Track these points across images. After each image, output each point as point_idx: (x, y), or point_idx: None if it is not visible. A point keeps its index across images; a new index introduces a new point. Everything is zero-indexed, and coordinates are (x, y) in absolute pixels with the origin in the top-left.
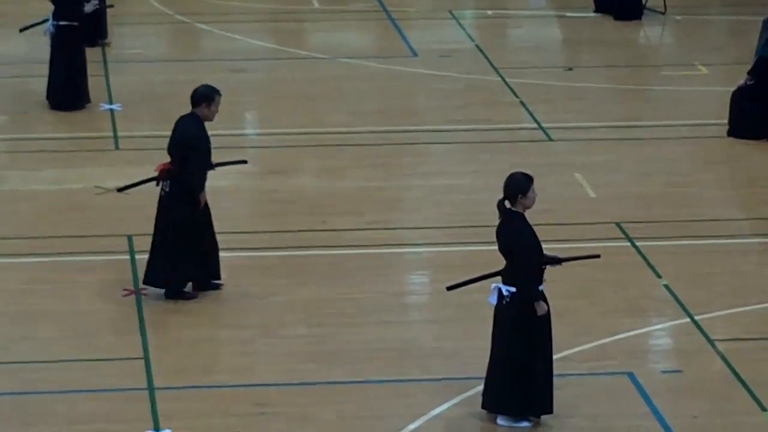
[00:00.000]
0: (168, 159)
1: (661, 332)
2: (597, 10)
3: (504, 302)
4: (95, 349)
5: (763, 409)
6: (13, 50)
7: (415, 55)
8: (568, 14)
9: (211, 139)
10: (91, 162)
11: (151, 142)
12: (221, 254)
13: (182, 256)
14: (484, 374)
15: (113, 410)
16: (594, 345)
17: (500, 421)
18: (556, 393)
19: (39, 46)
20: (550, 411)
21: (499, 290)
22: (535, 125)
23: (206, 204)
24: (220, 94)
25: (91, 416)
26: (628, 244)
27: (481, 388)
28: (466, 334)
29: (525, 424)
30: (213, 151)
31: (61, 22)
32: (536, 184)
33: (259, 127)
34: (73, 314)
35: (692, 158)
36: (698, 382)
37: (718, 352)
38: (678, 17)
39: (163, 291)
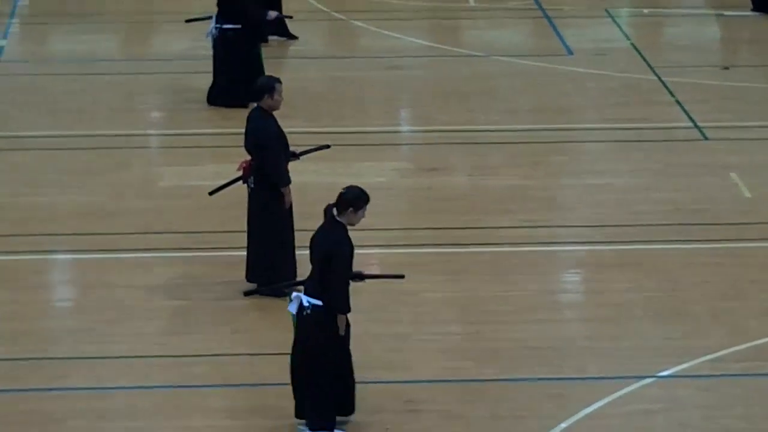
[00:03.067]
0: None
1: None
2: (755, 9)
3: (304, 313)
4: (249, 344)
5: None
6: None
7: (571, 53)
8: (726, 13)
9: (369, 134)
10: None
11: (306, 138)
12: (375, 250)
13: (276, 250)
14: (638, 373)
15: (266, 405)
16: (748, 346)
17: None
18: (710, 393)
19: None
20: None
21: (300, 300)
22: (690, 124)
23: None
24: (280, 82)
25: (247, 410)
26: None
27: (636, 386)
28: (620, 333)
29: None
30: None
31: (225, 25)
32: (688, 184)
33: (414, 124)
34: (225, 309)
35: None
36: None
37: None
38: None
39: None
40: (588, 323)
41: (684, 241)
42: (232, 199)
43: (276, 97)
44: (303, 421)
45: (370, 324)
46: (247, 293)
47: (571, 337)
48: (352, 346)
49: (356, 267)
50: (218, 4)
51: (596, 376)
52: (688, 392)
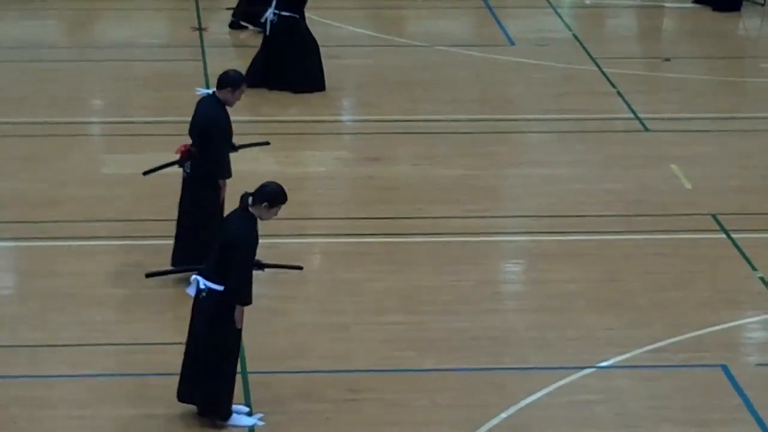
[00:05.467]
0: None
1: (755, 325)
2: (695, 1)
3: (201, 296)
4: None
5: None
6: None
7: (513, 43)
8: (667, 5)
9: (310, 123)
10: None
11: (249, 126)
12: (318, 240)
13: (202, 239)
14: (579, 364)
15: None
16: (688, 337)
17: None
18: (650, 384)
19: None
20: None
21: (198, 282)
22: (631, 115)
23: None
24: (246, 84)
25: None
26: (724, 236)
27: (577, 377)
28: (562, 323)
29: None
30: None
31: (283, 12)
32: (629, 175)
33: (357, 113)
34: (167, 297)
35: None
36: None
37: None
38: None
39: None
40: (530, 313)
41: (625, 232)
42: (176, 188)
43: (236, 94)
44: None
45: (312, 314)
46: (149, 275)
47: (512, 328)
48: (291, 339)
49: (296, 258)
50: None
51: (537, 366)
52: (629, 383)
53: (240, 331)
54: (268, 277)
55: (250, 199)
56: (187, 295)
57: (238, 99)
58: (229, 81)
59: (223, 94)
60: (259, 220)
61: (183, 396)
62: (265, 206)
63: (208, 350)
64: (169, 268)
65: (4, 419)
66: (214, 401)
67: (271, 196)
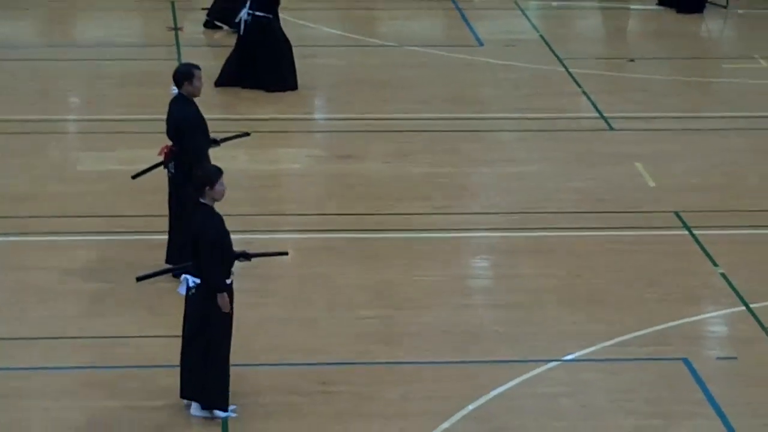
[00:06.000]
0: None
1: (716, 320)
2: (660, 3)
3: (191, 293)
4: (167, 326)
5: None
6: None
7: (482, 44)
8: (632, 7)
9: (285, 121)
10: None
11: (224, 125)
12: (291, 235)
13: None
14: (546, 357)
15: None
16: (651, 331)
17: (194, 411)
18: (614, 377)
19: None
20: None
21: (187, 281)
22: (597, 115)
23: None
24: (199, 69)
25: (163, 390)
26: (687, 232)
27: (541, 370)
28: (529, 317)
29: (220, 413)
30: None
31: (257, 12)
32: (594, 173)
33: (329, 112)
34: (144, 292)
35: (752, 149)
36: (753, 369)
37: None
38: (740, 11)
39: None
40: (498, 308)
41: (591, 228)
42: (151, 184)
43: (195, 83)
44: (189, 402)
45: (285, 308)
46: (140, 278)
47: (481, 322)
48: (264, 332)
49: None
50: None
51: (505, 359)
52: (594, 375)
53: (230, 319)
54: (243, 271)
55: (196, 194)
56: (176, 293)
57: (200, 86)
58: (181, 76)
59: (185, 89)
60: (216, 205)
61: (183, 393)
62: (208, 189)
63: (202, 341)
64: (160, 269)
65: None
66: (205, 389)
67: (206, 179)
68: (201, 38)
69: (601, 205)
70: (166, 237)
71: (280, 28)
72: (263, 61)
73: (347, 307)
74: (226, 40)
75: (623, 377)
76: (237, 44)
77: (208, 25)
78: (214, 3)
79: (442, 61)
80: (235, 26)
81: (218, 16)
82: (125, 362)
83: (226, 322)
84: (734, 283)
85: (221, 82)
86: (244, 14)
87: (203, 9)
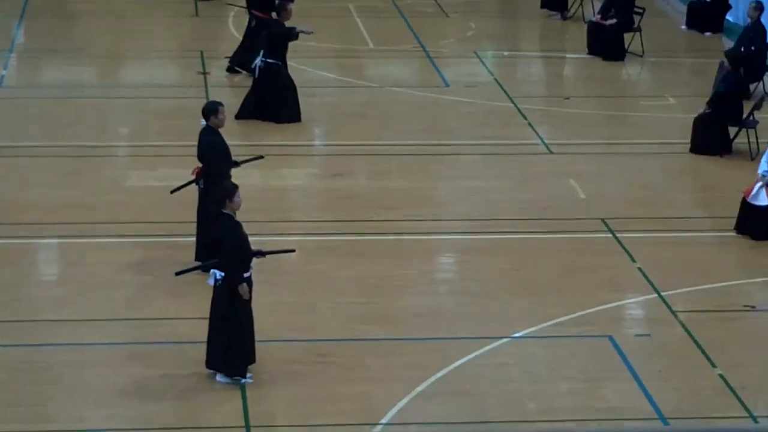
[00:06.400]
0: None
1: (634, 305)
2: (589, 53)
3: (217, 284)
4: (195, 311)
5: (713, 365)
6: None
7: (447, 85)
8: (567, 56)
9: (290, 147)
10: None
11: (242, 149)
12: (295, 237)
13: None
14: (498, 335)
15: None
16: (582, 314)
17: (218, 378)
18: (552, 350)
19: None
20: (254, 361)
21: (215, 275)
22: (539, 141)
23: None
24: (222, 105)
25: (194, 362)
26: (611, 235)
27: (496, 344)
28: (484, 303)
29: (240, 379)
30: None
31: (269, 60)
32: (537, 187)
33: (325, 139)
34: (180, 283)
35: (663, 169)
36: (663, 344)
37: (679, 321)
38: (653, 59)
39: None
40: (460, 295)
41: (534, 232)
42: (185, 197)
43: (220, 117)
44: (214, 372)
45: (290, 295)
46: (178, 273)
47: (446, 306)
48: (273, 315)
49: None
50: (262, 44)
51: (465, 336)
52: (536, 349)
53: (249, 303)
54: (258, 266)
55: (218, 206)
56: (206, 284)
57: (224, 118)
58: (208, 111)
59: (211, 121)
60: (235, 214)
61: (209, 364)
62: (228, 202)
63: (227, 322)
64: (193, 265)
65: (53, 376)
66: (228, 361)
67: (225, 193)
68: (224, 81)
69: (542, 213)
70: (194, 239)
71: (287, 72)
72: (274, 99)
73: (339, 294)
74: (244, 82)
75: (560, 351)
76: (253, 85)
77: (230, 70)
78: (235, 52)
79: (416, 99)
80: (251, 71)
81: (238, 63)
82: (163, 339)
83: (246, 307)
84: (649, 275)
85: (240, 115)
86: (258, 61)
87: (226, 57)
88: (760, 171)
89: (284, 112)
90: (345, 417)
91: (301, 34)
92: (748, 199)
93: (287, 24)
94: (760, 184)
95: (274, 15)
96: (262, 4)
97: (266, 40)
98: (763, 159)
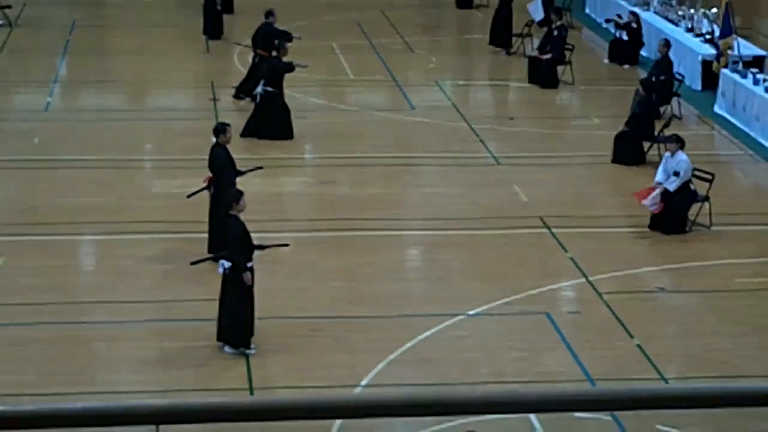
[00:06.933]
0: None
1: (567, 288)
2: (529, 82)
3: (225, 272)
4: (207, 294)
5: (632, 336)
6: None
7: (414, 108)
8: (511, 84)
9: (286, 159)
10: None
11: (246, 161)
12: (290, 234)
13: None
14: (457, 311)
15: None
16: (525, 295)
17: (227, 349)
18: (500, 325)
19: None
20: (253, 333)
21: (223, 265)
22: (489, 155)
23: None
24: (229, 125)
25: (206, 336)
26: (547, 231)
27: (454, 320)
28: (445, 286)
29: (244, 350)
30: (280, 167)
31: (268, 88)
32: (487, 192)
33: (314, 153)
34: (197, 271)
35: (590, 176)
36: (591, 319)
37: (604, 301)
38: (581, 87)
39: None
40: (425, 281)
41: (486, 228)
42: (199, 201)
43: (227, 135)
44: (222, 343)
45: (286, 281)
46: (193, 263)
47: (413, 289)
48: (272, 297)
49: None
50: (262, 76)
51: (429, 314)
52: (488, 324)
53: (251, 288)
54: (257, 258)
55: (226, 208)
56: (216, 272)
57: (230, 137)
58: (218, 130)
59: (220, 139)
60: (241, 214)
61: (219, 337)
62: (234, 205)
63: (233, 302)
64: (205, 256)
65: (92, 349)
66: (234, 335)
67: (233, 198)
68: (231, 106)
69: (491, 213)
70: (207, 235)
71: (283, 99)
72: (272, 120)
73: (326, 280)
74: (247, 106)
75: (506, 325)
76: (255, 109)
77: (236, 97)
78: (241, 82)
79: (388, 119)
80: (253, 98)
81: (242, 91)
82: (181, 317)
83: (249, 291)
84: (579, 263)
85: (244, 134)
86: (260, 89)
87: (233, 87)
88: (657, 179)
89: (280, 131)
90: (332, 380)
91: (297, 67)
92: (643, 202)
93: (285, 59)
94: (657, 191)
95: (273, 53)
96: (264, 44)
97: (266, 72)
98: (660, 169)
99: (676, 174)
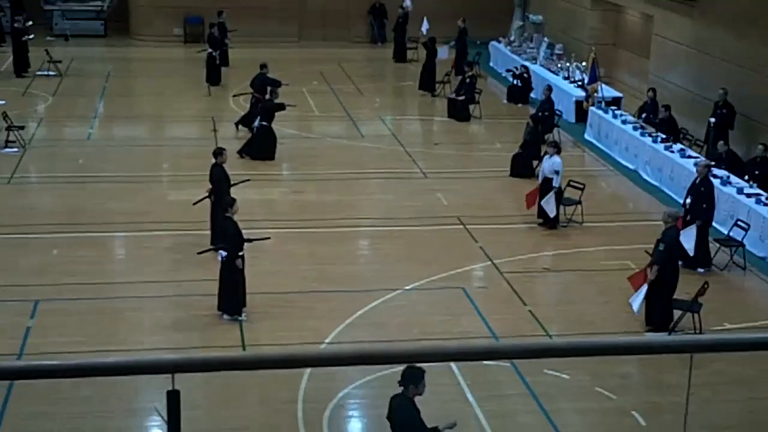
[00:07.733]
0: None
1: (477, 269)
2: (448, 117)
3: (223, 259)
4: (210, 275)
5: (525, 304)
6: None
7: (363, 137)
8: (435, 118)
9: (268, 174)
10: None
11: (238, 176)
12: (271, 230)
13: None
14: (395, 287)
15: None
16: (446, 274)
17: (225, 317)
18: (429, 297)
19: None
20: (245, 305)
21: (221, 254)
22: (419, 170)
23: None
24: (225, 149)
25: (209, 307)
26: (463, 227)
27: (393, 294)
28: (388, 268)
29: (238, 317)
30: (265, 180)
31: (263, 122)
32: (417, 198)
33: (289, 170)
34: (203, 259)
35: (494, 186)
36: (495, 292)
37: (505, 278)
38: (486, 120)
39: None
40: (372, 264)
41: (416, 225)
42: (202, 206)
43: (223, 156)
44: (221, 312)
45: (268, 266)
46: (199, 252)
47: (364, 271)
48: (258, 277)
49: (261, 236)
50: (259, 113)
51: (376, 289)
52: (419, 297)
53: (242, 271)
54: (247, 248)
55: (223, 211)
56: (216, 259)
57: (226, 158)
58: (217, 153)
59: (218, 160)
60: (234, 216)
61: (219, 307)
62: (230, 209)
63: (229, 280)
64: (209, 247)
65: (121, 318)
66: (229, 304)
67: (228, 204)
68: (228, 134)
69: (420, 214)
70: (209, 232)
71: (272, 130)
72: (261, 147)
73: (300, 264)
74: (243, 135)
75: (433, 297)
76: (252, 137)
77: (236, 128)
78: (241, 117)
79: (344, 145)
80: (250, 129)
81: (242, 123)
82: (189, 292)
83: (241, 273)
84: (486, 251)
85: (241, 152)
86: (257, 123)
87: (234, 123)
88: (539, 180)
89: (266, 153)
90: (304, 339)
91: (288, 107)
92: (540, 203)
93: (277, 101)
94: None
95: (267, 96)
96: (260, 89)
97: (261, 110)
98: (542, 167)
99: (557, 172)
